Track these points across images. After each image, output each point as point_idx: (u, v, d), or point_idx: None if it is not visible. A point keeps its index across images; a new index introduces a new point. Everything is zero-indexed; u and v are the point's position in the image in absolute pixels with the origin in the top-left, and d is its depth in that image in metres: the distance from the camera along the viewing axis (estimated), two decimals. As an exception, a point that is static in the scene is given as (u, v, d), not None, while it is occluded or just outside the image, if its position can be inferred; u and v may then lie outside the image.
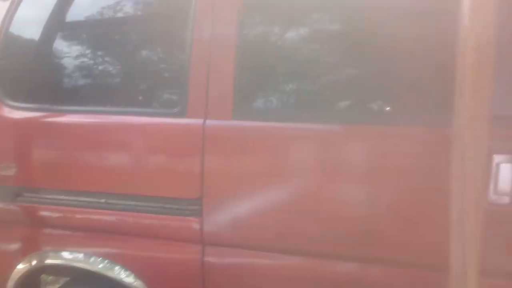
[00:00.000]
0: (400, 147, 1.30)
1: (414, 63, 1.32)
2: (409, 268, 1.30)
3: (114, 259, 1.58)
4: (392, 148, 1.30)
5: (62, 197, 1.60)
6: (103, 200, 1.55)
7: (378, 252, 1.31)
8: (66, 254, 1.64)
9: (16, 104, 1.67)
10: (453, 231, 1.17)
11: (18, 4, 1.69)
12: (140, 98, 1.62)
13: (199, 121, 1.43)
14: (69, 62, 1.70)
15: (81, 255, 1.62)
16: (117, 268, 1.57)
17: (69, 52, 1.69)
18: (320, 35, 1.46)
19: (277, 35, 1.49)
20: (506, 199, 1.21)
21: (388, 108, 1.42)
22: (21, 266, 1.68)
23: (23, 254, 1.69)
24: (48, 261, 1.67)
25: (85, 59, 1.67)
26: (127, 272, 1.56)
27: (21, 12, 1.69)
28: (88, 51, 1.68)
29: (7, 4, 1.69)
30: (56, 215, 1.63)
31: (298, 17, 1.47)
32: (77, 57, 1.68)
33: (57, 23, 1.71)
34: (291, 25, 1.47)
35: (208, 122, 1.43)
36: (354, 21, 1.42)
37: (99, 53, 1.69)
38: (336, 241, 1.34)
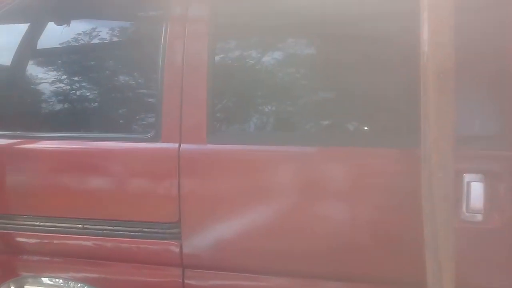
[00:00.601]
0: (374, 168, 1.32)
1: (385, 86, 1.35)
2: (388, 286, 1.32)
3: (94, 284, 1.57)
4: (366, 169, 1.32)
5: (38, 223, 1.59)
6: (80, 226, 1.54)
7: (357, 271, 1.33)
8: (45, 280, 1.63)
9: (-12, 131, 1.65)
10: (427, 252, 1.19)
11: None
12: (114, 123, 1.62)
13: (174, 145, 1.43)
14: (43, 88, 1.69)
15: (60, 281, 1.61)
16: (97, 293, 1.56)
17: (42, 79, 1.68)
18: (291, 59, 1.48)
19: (248, 60, 1.51)
20: (479, 217, 1.24)
21: (361, 129, 1.44)
22: (-1, 293, 1.66)
23: (1, 280, 1.67)
24: (27, 287, 1.65)
25: (60, 85, 1.66)
26: (108, 297, 1.55)
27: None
28: (61, 78, 1.67)
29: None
30: (33, 241, 1.61)
31: (270, 41, 1.49)
32: (51, 83, 1.67)
33: (28, 50, 1.70)
34: (262, 49, 1.49)
35: (183, 146, 1.43)
36: (323, 46, 1.45)
37: (73, 79, 1.68)
38: (315, 261, 1.35)
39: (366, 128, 1.44)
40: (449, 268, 1.15)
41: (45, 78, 1.68)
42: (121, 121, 1.63)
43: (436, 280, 1.16)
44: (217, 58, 1.47)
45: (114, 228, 1.51)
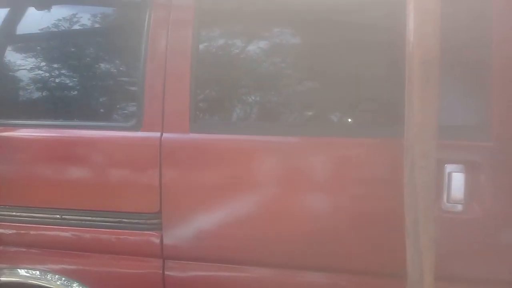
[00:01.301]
0: (358, 158, 1.32)
1: (370, 76, 1.36)
2: (370, 276, 1.33)
3: (72, 275, 1.53)
4: (350, 159, 1.32)
5: (15, 213, 1.55)
6: (58, 216, 1.50)
7: (339, 261, 1.33)
8: (21, 272, 1.58)
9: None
10: (408, 240, 1.20)
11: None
12: (95, 111, 1.59)
13: (156, 134, 1.41)
14: (21, 75, 1.64)
15: (37, 272, 1.57)
16: (75, 285, 1.53)
17: (20, 65, 1.63)
18: (276, 47, 1.47)
19: (233, 48, 1.49)
20: (459, 207, 1.25)
21: (345, 119, 1.44)
22: (-27, 285, 1.61)
23: (-25, 272, 1.62)
24: (3, 279, 1.60)
25: (39, 72, 1.62)
26: (86, 289, 1.52)
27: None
28: (41, 65, 1.62)
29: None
30: (9, 231, 1.57)
31: (255, 29, 1.47)
32: (30, 70, 1.62)
33: (6, 36, 1.65)
34: (248, 37, 1.48)
35: (165, 135, 1.41)
36: (309, 35, 1.44)
37: (52, 66, 1.64)
38: (297, 251, 1.35)
39: (350, 118, 1.43)
40: (429, 257, 1.15)
41: (24, 65, 1.64)
42: (101, 109, 1.60)
43: (416, 268, 1.16)
44: (201, 46, 1.45)
45: (93, 218, 1.48)
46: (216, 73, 1.49)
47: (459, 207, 1.25)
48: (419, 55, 1.10)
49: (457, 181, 1.24)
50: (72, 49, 1.65)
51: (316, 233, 1.33)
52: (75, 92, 1.63)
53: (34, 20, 1.63)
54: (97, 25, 1.62)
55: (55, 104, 1.63)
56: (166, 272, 1.45)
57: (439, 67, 1.10)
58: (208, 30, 1.47)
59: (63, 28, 1.62)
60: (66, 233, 1.51)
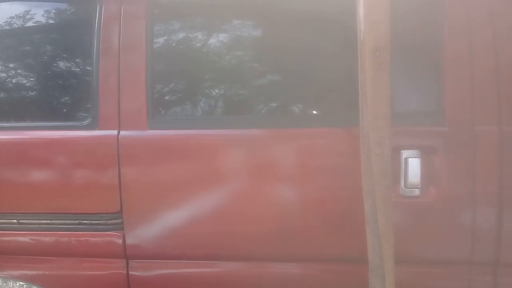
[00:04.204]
0: (320, 148, 1.33)
1: (325, 66, 1.36)
2: (338, 263, 1.35)
3: (34, 281, 1.49)
4: (312, 149, 1.33)
5: None
6: (15, 221, 1.46)
7: (305, 251, 1.34)
8: (-20, 280, 1.53)
9: None
10: (368, 227, 1.22)
11: None
12: (48, 111, 1.52)
13: (113, 132, 1.38)
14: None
15: (-3, 280, 1.52)
16: (38, 290, 1.49)
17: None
18: (234, 39, 1.44)
19: (189, 41, 1.45)
20: (416, 192, 1.28)
21: (304, 110, 1.44)
22: None
23: None
24: (-38, 289, 1.55)
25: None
26: (49, 294, 1.48)
27: None
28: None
29: None
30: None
31: (210, 21, 1.45)
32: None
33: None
34: (203, 29, 1.45)
35: (122, 133, 1.38)
36: (263, 26, 1.43)
37: (2, 65, 1.56)
38: (262, 243, 1.35)
39: (309, 109, 1.44)
40: (388, 242, 1.18)
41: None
42: (55, 109, 1.53)
43: (377, 254, 1.19)
44: (156, 39, 1.42)
45: (52, 221, 1.44)
46: (173, 67, 1.46)
47: (416, 192, 1.27)
48: (370, 42, 1.10)
49: (413, 166, 1.26)
50: (20, 47, 1.58)
51: (280, 224, 1.33)
52: (26, 92, 1.56)
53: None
54: (46, 21, 1.55)
55: (5, 106, 1.56)
56: (131, 272, 1.43)
57: (390, 54, 1.11)
58: (162, 23, 1.44)
59: (11, 25, 1.55)
60: (24, 238, 1.46)
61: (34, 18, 1.54)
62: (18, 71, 1.56)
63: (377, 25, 1.11)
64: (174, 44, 1.46)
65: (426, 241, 1.30)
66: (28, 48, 1.57)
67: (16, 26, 1.55)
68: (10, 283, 1.51)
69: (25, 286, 1.50)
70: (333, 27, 1.35)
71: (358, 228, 1.24)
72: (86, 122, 1.41)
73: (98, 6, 1.42)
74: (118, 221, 1.40)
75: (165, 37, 1.45)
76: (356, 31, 1.17)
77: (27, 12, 1.54)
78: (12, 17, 1.56)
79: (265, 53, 1.44)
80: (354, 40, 1.19)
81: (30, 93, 1.56)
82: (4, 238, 1.47)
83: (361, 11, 1.13)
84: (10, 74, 1.55)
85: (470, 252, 1.27)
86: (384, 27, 1.11)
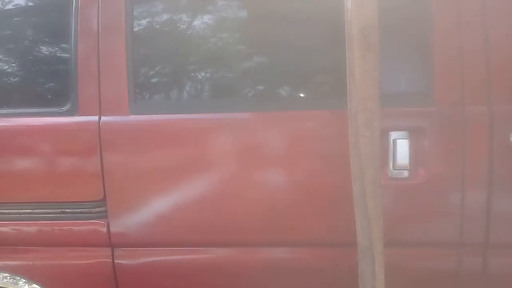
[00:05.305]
0: (309, 131, 1.30)
1: (315, 48, 1.33)
2: (328, 247, 1.33)
3: (17, 272, 1.46)
4: (296, 133, 1.30)
5: None
6: None
7: (294, 235, 1.32)
8: (-38, 272, 1.49)
9: None
10: (357, 210, 1.20)
11: None
12: (27, 97, 1.46)
13: (94, 118, 1.33)
14: None
15: (-21, 271, 1.48)
16: (22, 281, 1.45)
17: None
18: (217, 22, 1.39)
19: (171, 22, 1.40)
20: (405, 173, 1.26)
21: (291, 93, 1.40)
22: None
23: None
24: None
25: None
26: (34, 285, 1.44)
27: None
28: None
29: None
30: None
31: (192, 3, 1.39)
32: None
33: None
34: (185, 10, 1.39)
35: (103, 118, 1.33)
36: (248, 8, 1.38)
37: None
38: (249, 229, 1.33)
39: (295, 91, 1.40)
40: (377, 225, 1.16)
41: None
42: (32, 95, 1.47)
43: (366, 237, 1.17)
44: (137, 19, 1.36)
45: (34, 211, 1.41)
46: (155, 49, 1.41)
47: (405, 173, 1.25)
48: (357, 22, 1.07)
49: (402, 148, 1.24)
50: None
51: (268, 209, 1.31)
52: (3, 78, 1.50)
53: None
54: (21, 2, 1.48)
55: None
56: (116, 261, 1.40)
57: (378, 33, 1.08)
58: (143, 2, 1.38)
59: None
60: (5, 228, 1.42)
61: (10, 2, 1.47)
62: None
63: (364, 3, 1.07)
64: (156, 24, 1.40)
65: (416, 222, 1.28)
66: (3, 31, 1.50)
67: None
68: (-7, 275, 1.48)
69: (8, 277, 1.46)
70: (319, 7, 1.30)
71: (347, 211, 1.22)
72: (65, 108, 1.36)
73: None
74: (101, 209, 1.37)
75: (147, 18, 1.40)
76: (343, 10, 1.13)
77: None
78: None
79: (250, 35, 1.39)
80: (342, 19, 1.15)
81: (5, 78, 1.50)
82: (-16, 229, 1.43)
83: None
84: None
85: (460, 234, 1.27)
86: (372, 5, 1.07)
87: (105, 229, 1.37)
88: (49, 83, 1.48)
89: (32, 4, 1.50)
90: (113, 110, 1.34)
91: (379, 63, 1.09)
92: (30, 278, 1.45)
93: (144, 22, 1.39)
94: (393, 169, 1.26)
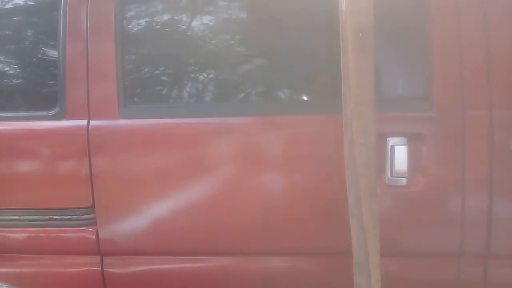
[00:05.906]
0: (300, 136, 1.26)
1: (308, 53, 1.29)
2: (325, 256, 1.29)
3: (5, 279, 1.42)
4: (291, 138, 1.26)
5: None
6: None
7: (287, 244, 1.28)
8: None
9: None
10: (352, 219, 1.15)
11: None
12: (14, 101, 1.44)
13: (82, 122, 1.30)
14: None
15: (-35, 279, 1.44)
16: (8, 289, 1.42)
17: None
18: (209, 24, 1.35)
19: (162, 24, 1.36)
20: (403, 181, 1.21)
21: (287, 97, 1.37)
22: None
23: None
24: None
25: None
26: (21, 293, 1.41)
27: None
28: None
29: None
30: None
31: (183, 3, 1.35)
32: None
33: None
34: (177, 12, 1.35)
35: (92, 123, 1.30)
36: (241, 8, 1.34)
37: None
38: (240, 237, 1.29)
39: (290, 95, 1.36)
40: (374, 237, 1.12)
41: None
42: (19, 98, 1.44)
43: (362, 249, 1.13)
44: (127, 21, 1.33)
45: (21, 217, 1.38)
46: (145, 52, 1.38)
47: (404, 181, 1.21)
48: (352, 23, 1.03)
49: (400, 154, 1.20)
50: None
51: (261, 217, 1.27)
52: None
53: None
54: (9, 5, 1.45)
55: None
56: (105, 269, 1.36)
57: (373, 35, 1.04)
58: (133, 3, 1.34)
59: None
60: None
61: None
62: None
63: (359, 5, 1.03)
64: (146, 27, 1.37)
65: (414, 231, 1.24)
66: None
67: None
68: (-21, 282, 1.44)
69: (-3, 285, 1.43)
70: (315, 9, 1.26)
71: (344, 220, 1.17)
72: (53, 112, 1.33)
73: None
74: (90, 216, 1.34)
75: (137, 20, 1.36)
76: (338, 12, 1.09)
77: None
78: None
79: (241, 39, 1.36)
80: (336, 21, 1.11)
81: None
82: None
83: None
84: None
85: (460, 243, 1.22)
86: (367, 6, 1.03)
87: (94, 237, 1.34)
88: (37, 86, 1.44)
89: (19, 6, 1.46)
90: (102, 114, 1.30)
91: (375, 66, 1.05)
92: (17, 286, 1.41)
93: (134, 25, 1.36)
94: (391, 176, 1.22)
